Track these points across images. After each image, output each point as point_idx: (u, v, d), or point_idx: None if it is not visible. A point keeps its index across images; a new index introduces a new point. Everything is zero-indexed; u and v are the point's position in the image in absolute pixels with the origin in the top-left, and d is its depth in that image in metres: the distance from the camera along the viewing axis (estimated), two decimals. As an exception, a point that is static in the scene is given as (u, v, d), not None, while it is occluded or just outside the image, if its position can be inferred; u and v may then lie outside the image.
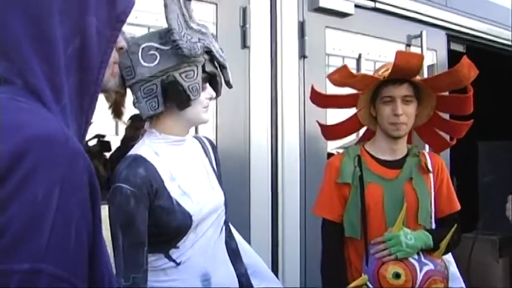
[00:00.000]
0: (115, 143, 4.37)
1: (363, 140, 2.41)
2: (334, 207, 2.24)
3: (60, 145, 0.85)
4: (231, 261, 1.88)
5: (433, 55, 4.17)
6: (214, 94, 1.80)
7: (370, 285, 2.07)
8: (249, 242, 2.96)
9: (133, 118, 2.88)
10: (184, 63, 1.68)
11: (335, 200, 2.24)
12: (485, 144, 5.81)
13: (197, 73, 1.70)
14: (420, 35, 3.98)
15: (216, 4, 3.05)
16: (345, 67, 2.26)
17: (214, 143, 2.99)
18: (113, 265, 1.65)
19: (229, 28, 3.09)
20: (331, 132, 2.53)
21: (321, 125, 2.52)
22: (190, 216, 1.69)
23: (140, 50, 1.68)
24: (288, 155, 3.24)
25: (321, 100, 2.47)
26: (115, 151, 4.30)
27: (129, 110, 1.85)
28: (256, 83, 3.16)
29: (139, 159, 1.67)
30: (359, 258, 2.17)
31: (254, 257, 2.09)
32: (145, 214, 1.64)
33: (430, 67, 4.09)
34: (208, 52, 1.73)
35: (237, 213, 2.90)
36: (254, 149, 3.13)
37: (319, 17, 3.46)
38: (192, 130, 2.70)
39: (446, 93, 2.37)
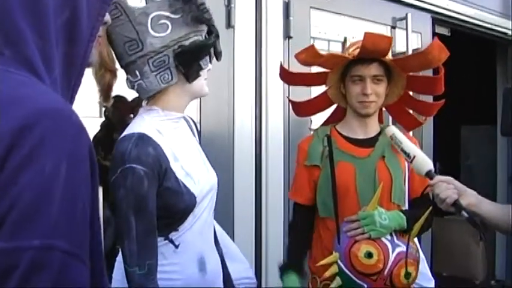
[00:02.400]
0: (98, 125, 4.33)
1: (332, 121, 2.41)
2: (304, 191, 2.26)
3: (65, 119, 0.84)
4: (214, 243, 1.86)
5: (417, 38, 4.16)
6: (210, 66, 1.74)
7: (340, 263, 2.06)
8: (232, 226, 2.97)
9: (117, 100, 2.80)
10: (192, 32, 1.63)
11: (305, 184, 2.25)
12: (468, 129, 5.86)
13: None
14: (405, 18, 3.97)
15: (201, -17, 3.01)
16: (312, 47, 2.27)
17: (198, 123, 2.99)
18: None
19: (214, 7, 3.01)
20: (301, 108, 2.53)
21: (291, 101, 2.52)
22: (195, 197, 1.63)
23: (149, 20, 1.60)
24: (272, 137, 3.23)
25: (289, 77, 2.48)
26: (98, 133, 4.25)
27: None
28: (241, 63, 3.14)
29: (145, 138, 1.58)
30: (330, 236, 2.17)
31: (226, 238, 2.07)
32: (155, 196, 1.57)
33: (415, 50, 4.09)
34: (208, 22, 1.69)
35: (220, 197, 2.89)
36: (238, 130, 3.12)
37: (305, -3, 3.43)
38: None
39: (418, 74, 2.37)
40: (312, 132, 2.44)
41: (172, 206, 1.60)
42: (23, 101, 0.82)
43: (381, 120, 2.39)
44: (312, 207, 2.25)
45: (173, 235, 1.64)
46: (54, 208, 0.78)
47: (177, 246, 1.65)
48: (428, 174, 1.90)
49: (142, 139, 1.56)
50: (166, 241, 1.64)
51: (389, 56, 2.21)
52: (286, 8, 3.33)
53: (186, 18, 1.62)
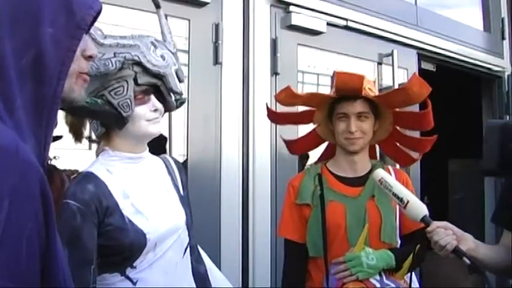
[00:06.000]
0: (87, 158, 4.27)
1: (324, 158, 2.40)
2: (297, 228, 2.22)
3: (9, 156, 0.83)
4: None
5: (404, 74, 4.21)
6: (159, 106, 1.75)
7: None
8: (219, 260, 2.95)
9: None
10: (112, 80, 1.66)
11: (297, 221, 2.22)
12: (455, 162, 5.89)
13: (127, 88, 1.68)
14: (391, 54, 4.03)
15: (189, 20, 3.05)
16: (288, 88, 2.30)
17: (185, 158, 2.99)
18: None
19: (202, 44, 3.09)
20: (294, 146, 2.54)
21: (284, 140, 2.52)
22: (144, 235, 1.65)
23: None
24: (259, 172, 3.23)
25: (275, 117, 2.49)
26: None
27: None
28: (228, 99, 3.16)
29: (90, 176, 1.67)
30: (320, 277, 2.15)
31: (222, 282, 2.03)
32: (94, 231, 1.61)
33: (401, 85, 4.13)
34: (139, 64, 1.70)
35: (206, 230, 2.88)
36: (225, 165, 3.11)
37: (292, 34, 3.47)
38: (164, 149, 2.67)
39: (405, 109, 2.36)
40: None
41: (116, 242, 1.64)
42: None
43: (373, 157, 2.38)
44: (305, 245, 2.21)
45: (129, 271, 1.67)
46: None
47: (134, 283, 1.66)
48: (424, 220, 1.84)
49: (87, 177, 1.67)
50: (123, 277, 1.66)
51: (376, 92, 2.22)
52: (274, 44, 3.37)
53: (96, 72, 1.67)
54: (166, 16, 1.90)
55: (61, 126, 1.14)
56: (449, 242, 1.77)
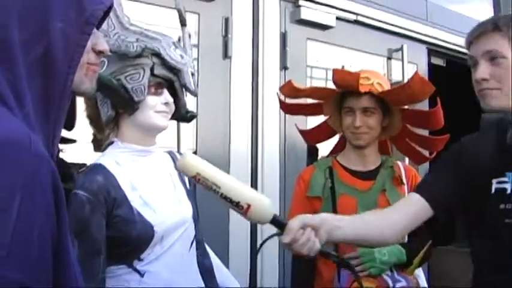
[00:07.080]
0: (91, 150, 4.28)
1: (335, 152, 2.39)
2: None
3: (21, 149, 0.83)
4: (204, 281, 1.82)
5: (413, 69, 4.19)
6: (170, 100, 1.75)
7: None
8: (227, 254, 2.96)
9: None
10: (130, 66, 1.69)
11: (306, 214, 2.20)
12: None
13: (143, 75, 1.70)
14: (401, 49, 4.02)
15: (199, 14, 3.05)
16: (289, 82, 2.31)
17: (194, 152, 2.99)
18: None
19: (211, 38, 3.09)
20: (308, 136, 2.54)
21: (299, 130, 2.52)
22: (151, 227, 1.66)
23: None
24: (268, 166, 3.23)
25: (287, 108, 2.49)
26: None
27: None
28: (237, 93, 3.16)
29: (98, 167, 1.67)
30: (330, 273, 2.13)
31: (229, 280, 2.03)
32: (102, 222, 1.62)
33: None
34: (158, 55, 1.72)
35: (215, 225, 2.88)
36: (234, 159, 3.12)
37: (301, 29, 3.47)
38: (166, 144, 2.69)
39: (413, 107, 2.34)
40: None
41: (124, 234, 1.64)
42: None
43: (386, 151, 2.37)
44: None
45: (137, 263, 1.67)
46: (6, 238, 0.77)
47: (142, 275, 1.66)
48: (274, 223, 1.49)
49: (95, 168, 1.67)
50: (130, 269, 1.67)
51: (386, 88, 2.20)
52: (283, 39, 3.37)
53: (119, 54, 1.69)
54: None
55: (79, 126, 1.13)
56: (311, 248, 1.49)
